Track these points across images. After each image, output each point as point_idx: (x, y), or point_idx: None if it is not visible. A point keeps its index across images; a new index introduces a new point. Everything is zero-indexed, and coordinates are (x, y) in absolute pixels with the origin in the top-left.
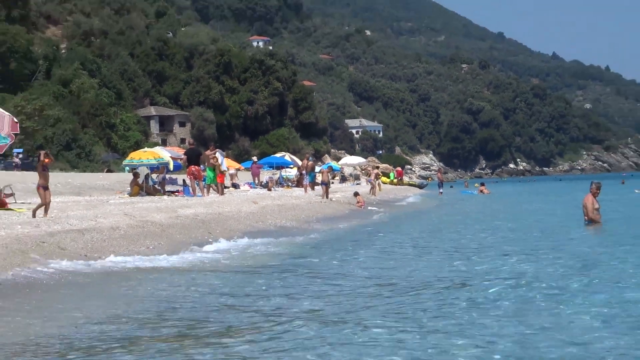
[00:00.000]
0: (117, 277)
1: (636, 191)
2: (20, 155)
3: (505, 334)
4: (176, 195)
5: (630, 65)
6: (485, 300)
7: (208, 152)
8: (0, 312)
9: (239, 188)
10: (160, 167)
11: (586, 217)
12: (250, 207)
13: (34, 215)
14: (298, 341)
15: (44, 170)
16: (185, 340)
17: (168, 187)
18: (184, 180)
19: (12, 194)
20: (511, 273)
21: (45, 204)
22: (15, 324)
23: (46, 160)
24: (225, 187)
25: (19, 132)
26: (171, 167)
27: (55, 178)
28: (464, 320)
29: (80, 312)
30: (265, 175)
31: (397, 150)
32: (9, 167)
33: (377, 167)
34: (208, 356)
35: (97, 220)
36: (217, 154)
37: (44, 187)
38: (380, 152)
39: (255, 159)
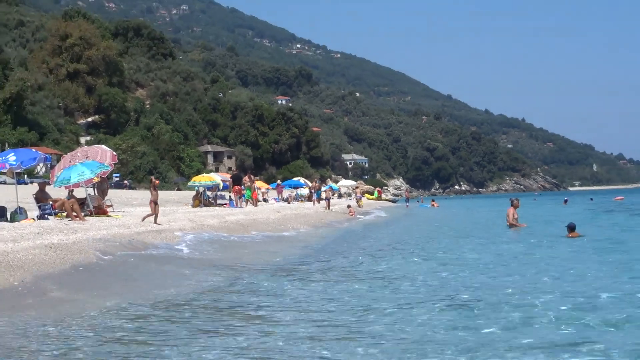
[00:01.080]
0: (184, 260)
1: (565, 200)
2: (117, 179)
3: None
4: (224, 207)
5: (540, 117)
6: (433, 256)
7: (246, 178)
8: (134, 274)
9: (268, 202)
10: (213, 187)
11: (507, 223)
12: (276, 215)
13: (142, 220)
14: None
15: (154, 190)
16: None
17: (219, 201)
18: (230, 196)
19: (111, 205)
20: (444, 247)
21: (155, 214)
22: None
23: (156, 182)
24: (258, 201)
25: (117, 162)
26: (221, 186)
27: (142, 194)
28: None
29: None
30: (286, 193)
31: (378, 176)
32: (117, 186)
33: (357, 187)
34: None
35: (169, 224)
36: (217, 179)
37: (154, 202)
38: (366, 177)
39: (279, 181)
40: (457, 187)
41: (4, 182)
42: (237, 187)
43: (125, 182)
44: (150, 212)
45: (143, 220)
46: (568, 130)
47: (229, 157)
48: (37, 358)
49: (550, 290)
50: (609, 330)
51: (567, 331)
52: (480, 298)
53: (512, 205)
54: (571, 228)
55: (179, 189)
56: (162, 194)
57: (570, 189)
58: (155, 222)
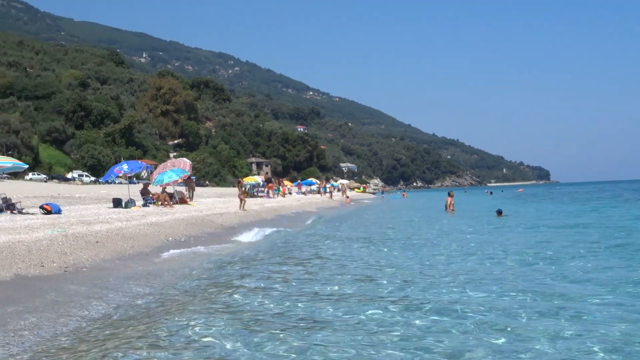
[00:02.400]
0: (245, 228)
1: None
2: (194, 179)
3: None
4: (263, 197)
5: (468, 137)
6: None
7: (275, 180)
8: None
9: (292, 194)
10: (256, 185)
11: (446, 209)
12: (297, 202)
13: (241, 208)
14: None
15: (240, 188)
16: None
17: (260, 194)
18: (267, 191)
19: (190, 197)
20: (400, 219)
21: (243, 204)
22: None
23: (242, 181)
24: (285, 194)
25: (193, 169)
26: (261, 184)
27: (209, 190)
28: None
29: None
30: (303, 188)
31: (363, 177)
32: (197, 184)
33: (343, 185)
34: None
35: (227, 209)
36: (259, 179)
37: (244, 197)
38: (356, 177)
39: (299, 181)
40: (414, 184)
41: (120, 183)
42: (270, 185)
43: (207, 182)
44: (240, 204)
45: (240, 208)
46: (487, 145)
47: (266, 166)
48: (179, 281)
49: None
50: (507, 271)
51: (479, 273)
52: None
53: (449, 195)
54: (499, 212)
55: (234, 186)
56: (223, 190)
57: (489, 184)
58: (241, 208)
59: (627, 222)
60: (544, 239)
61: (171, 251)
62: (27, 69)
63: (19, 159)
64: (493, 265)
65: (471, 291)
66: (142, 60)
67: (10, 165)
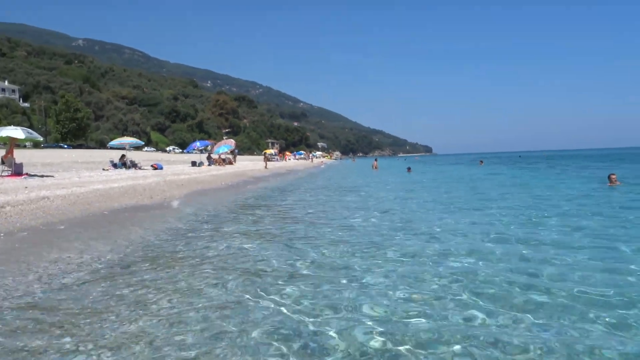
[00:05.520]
0: (260, 175)
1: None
2: (235, 151)
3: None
4: (277, 160)
5: (388, 127)
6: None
7: (280, 153)
8: (252, 186)
9: (291, 160)
10: (275, 154)
11: (373, 168)
12: (295, 163)
13: (265, 167)
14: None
15: (265, 157)
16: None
17: (274, 159)
18: (278, 158)
19: (231, 163)
20: (348, 171)
21: (266, 164)
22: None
23: (268, 152)
24: (287, 159)
25: (235, 145)
26: (274, 154)
27: (245, 157)
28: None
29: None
30: (297, 157)
31: (330, 150)
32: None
33: (319, 154)
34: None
35: (256, 167)
36: (273, 151)
37: (267, 161)
38: (327, 150)
39: (295, 153)
40: (358, 154)
41: (196, 153)
42: (280, 154)
43: (236, 152)
44: (265, 165)
45: (265, 167)
46: (397, 132)
47: (277, 144)
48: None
49: (390, 188)
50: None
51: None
52: (353, 186)
53: (375, 160)
54: (409, 169)
55: (259, 155)
56: (253, 157)
57: (399, 155)
58: (265, 167)
59: (473, 175)
60: (424, 179)
61: (223, 189)
62: (144, 89)
63: (139, 139)
64: (393, 191)
65: (380, 204)
66: (208, 84)
67: (134, 142)
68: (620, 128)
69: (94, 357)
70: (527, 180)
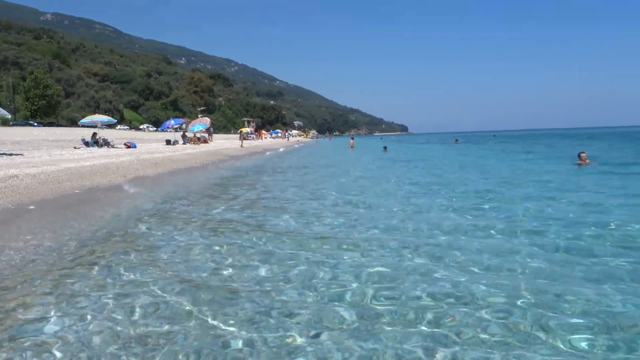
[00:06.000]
0: (245, 152)
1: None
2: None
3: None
4: (253, 139)
5: (364, 106)
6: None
7: (259, 131)
8: (230, 164)
9: (267, 139)
10: (251, 132)
11: (350, 147)
12: (271, 142)
13: (241, 146)
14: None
15: (241, 135)
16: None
17: (250, 138)
18: (254, 136)
19: (210, 140)
20: (325, 148)
21: (242, 143)
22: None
23: (243, 130)
24: (263, 138)
25: (210, 123)
26: (250, 132)
27: (219, 136)
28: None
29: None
30: (273, 135)
31: (306, 129)
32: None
33: (294, 133)
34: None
35: (232, 146)
36: (249, 129)
37: (242, 139)
38: (303, 128)
39: (271, 131)
40: (335, 133)
41: (170, 131)
42: (256, 133)
43: (212, 131)
44: (240, 144)
45: (240, 146)
46: (373, 112)
47: (253, 122)
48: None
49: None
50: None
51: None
52: (332, 162)
53: (351, 139)
54: (385, 148)
55: (235, 133)
56: (229, 136)
57: (375, 134)
58: (240, 146)
59: (444, 153)
60: (398, 156)
61: (197, 169)
62: (116, 66)
63: (112, 117)
64: (369, 167)
65: (354, 173)
66: (182, 61)
67: (106, 119)
68: (601, 108)
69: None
70: (494, 158)
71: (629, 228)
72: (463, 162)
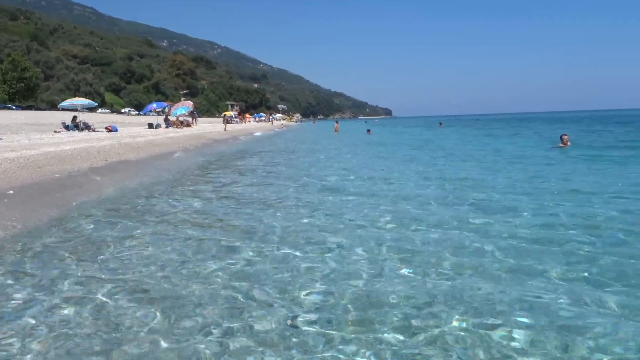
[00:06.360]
0: (229, 135)
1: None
2: (194, 112)
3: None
4: (237, 123)
5: (349, 90)
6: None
7: (243, 114)
8: (212, 148)
9: (251, 122)
10: (235, 116)
11: (335, 130)
12: (255, 125)
13: (225, 129)
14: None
15: (224, 119)
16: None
17: (234, 122)
18: (238, 120)
19: (191, 123)
20: (309, 132)
21: (225, 127)
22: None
23: (227, 114)
24: (247, 121)
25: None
26: (234, 116)
27: (203, 120)
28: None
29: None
30: (257, 119)
31: (290, 113)
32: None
33: (279, 116)
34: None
35: (215, 129)
36: (233, 113)
37: (226, 123)
38: (287, 112)
39: (255, 115)
40: (319, 117)
41: (153, 114)
42: (240, 116)
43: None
44: (224, 127)
45: (224, 129)
46: (358, 95)
47: (237, 106)
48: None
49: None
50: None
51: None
52: (315, 145)
53: (336, 122)
54: (368, 130)
55: (219, 117)
56: (212, 119)
57: (359, 118)
58: (224, 129)
59: (431, 136)
60: (381, 139)
61: (180, 153)
62: (96, 48)
63: (92, 100)
64: (352, 147)
65: (342, 153)
66: (164, 44)
67: (86, 102)
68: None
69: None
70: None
71: (595, 202)
72: (445, 145)
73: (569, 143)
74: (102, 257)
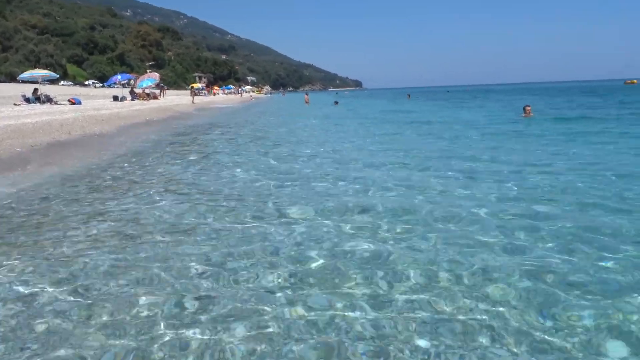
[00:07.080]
0: (202, 107)
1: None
2: (161, 85)
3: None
4: (205, 95)
5: (319, 61)
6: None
7: (212, 86)
8: (178, 121)
9: (219, 95)
10: (199, 88)
11: (305, 102)
12: (222, 99)
13: (192, 102)
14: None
15: (192, 90)
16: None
17: (202, 94)
18: (206, 92)
19: (162, 95)
20: (281, 102)
21: (193, 99)
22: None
23: (194, 85)
24: (215, 94)
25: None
26: (201, 88)
27: (171, 92)
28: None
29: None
30: (226, 91)
31: (260, 85)
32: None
33: (248, 89)
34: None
35: (182, 102)
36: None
37: (194, 95)
38: (257, 85)
39: (223, 86)
40: (289, 89)
41: (118, 87)
42: (208, 89)
43: (166, 88)
44: (192, 100)
45: (191, 102)
46: (328, 67)
47: (205, 78)
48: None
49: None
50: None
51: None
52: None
53: (306, 94)
54: (336, 102)
55: (186, 89)
56: (179, 92)
57: (330, 89)
58: (192, 102)
59: (392, 108)
60: (350, 109)
61: (148, 125)
62: (56, 18)
63: (54, 71)
64: (322, 121)
65: (312, 121)
66: (128, 13)
67: (47, 74)
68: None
69: None
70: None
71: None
72: (409, 117)
73: (531, 114)
74: (57, 233)
